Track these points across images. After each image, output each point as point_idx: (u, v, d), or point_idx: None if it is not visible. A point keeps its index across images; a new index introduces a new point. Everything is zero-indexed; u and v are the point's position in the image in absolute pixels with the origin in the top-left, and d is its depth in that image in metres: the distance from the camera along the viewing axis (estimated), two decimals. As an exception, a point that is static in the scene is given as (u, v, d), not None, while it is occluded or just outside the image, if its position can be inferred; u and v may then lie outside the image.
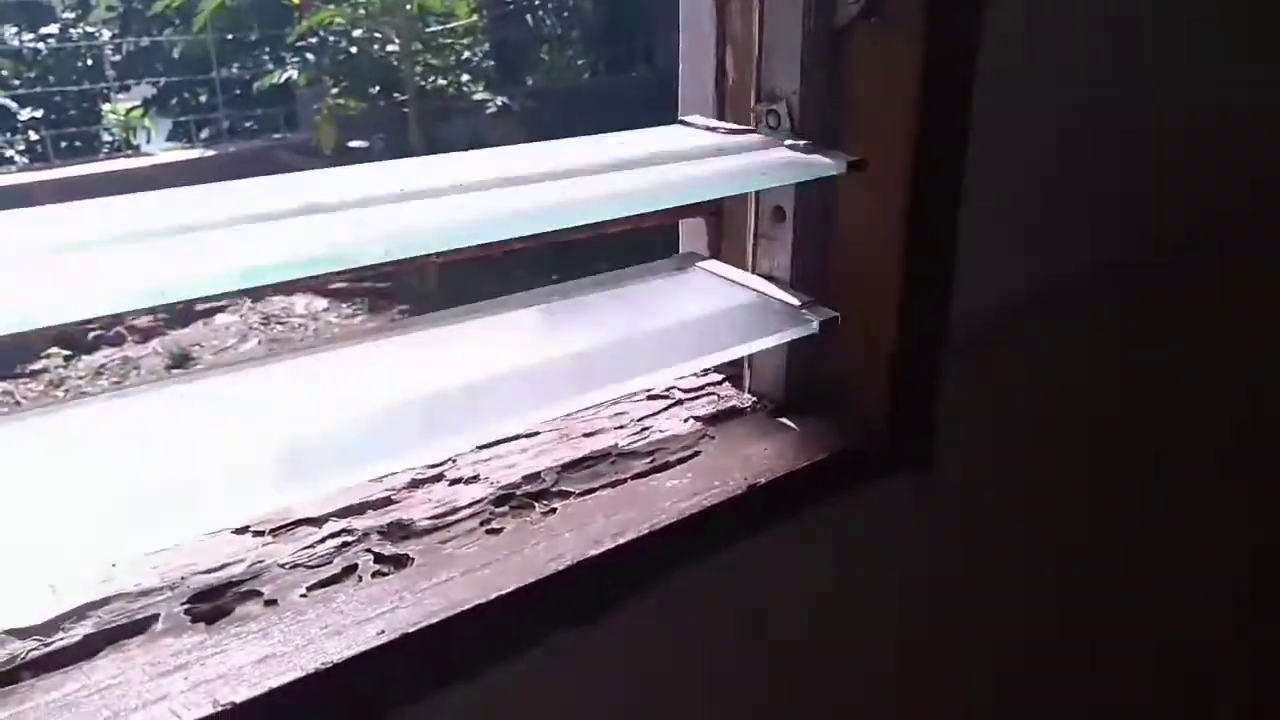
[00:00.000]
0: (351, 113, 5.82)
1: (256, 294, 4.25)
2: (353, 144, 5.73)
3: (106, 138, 7.23)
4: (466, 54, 6.25)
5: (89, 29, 7.31)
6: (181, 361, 4.39)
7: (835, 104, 0.68)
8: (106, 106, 7.33)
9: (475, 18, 6.16)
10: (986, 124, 0.70)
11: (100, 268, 0.43)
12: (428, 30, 5.99)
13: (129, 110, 7.21)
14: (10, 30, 7.05)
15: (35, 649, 0.50)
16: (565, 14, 7.17)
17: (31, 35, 7.20)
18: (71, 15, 7.45)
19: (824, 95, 0.68)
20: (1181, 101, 0.88)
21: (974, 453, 0.81)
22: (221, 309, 4.75)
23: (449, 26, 6.03)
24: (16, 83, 7.11)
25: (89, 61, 7.46)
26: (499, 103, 5.98)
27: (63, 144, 7.05)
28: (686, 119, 0.72)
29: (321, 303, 4.96)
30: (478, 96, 5.96)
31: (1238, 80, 0.93)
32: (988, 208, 0.72)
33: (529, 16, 6.92)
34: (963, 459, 0.80)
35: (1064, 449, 0.94)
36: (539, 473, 0.67)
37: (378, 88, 6.00)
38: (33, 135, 7.11)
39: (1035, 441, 0.90)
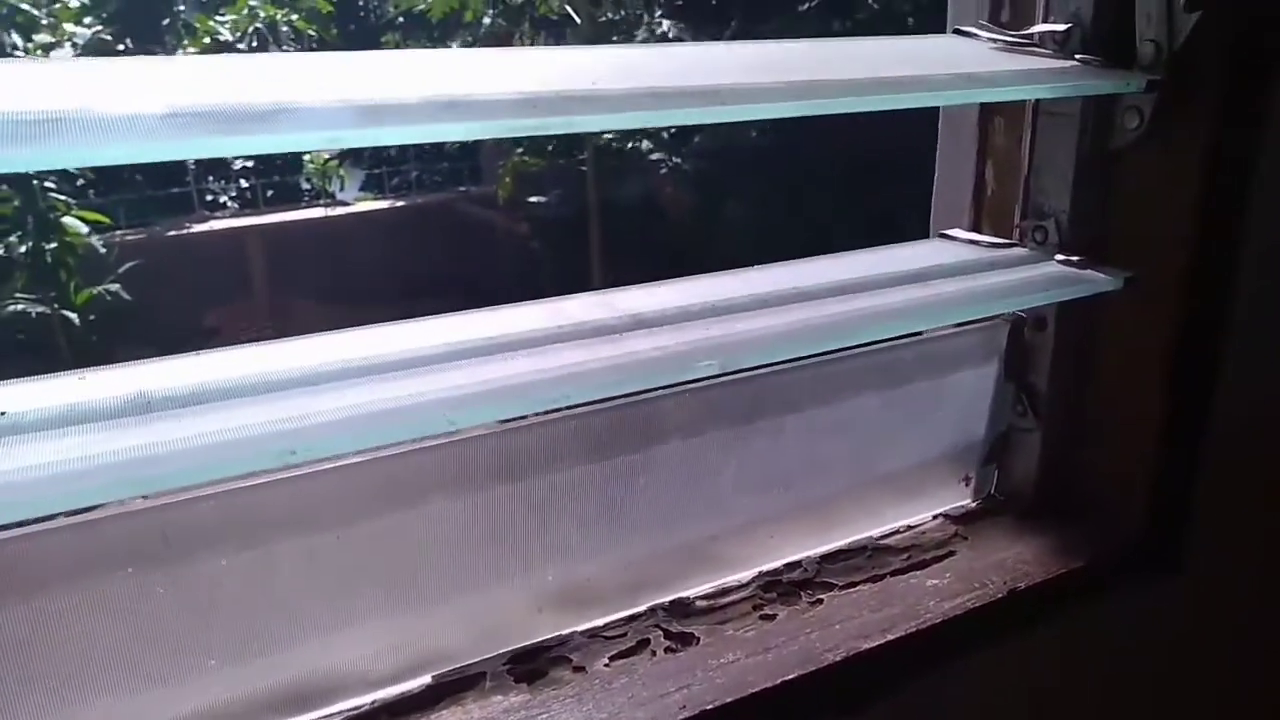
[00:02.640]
0: (533, 169, 6.11)
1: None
2: (532, 199, 6.01)
3: (305, 186, 7.83)
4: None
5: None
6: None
7: (1103, 220, 0.70)
8: (307, 157, 7.94)
9: (651, 79, 6.37)
10: (1256, 234, 0.70)
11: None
12: (607, 92, 6.23)
13: (326, 161, 7.78)
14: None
15: (382, 694, 0.57)
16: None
17: (250, 91, 7.89)
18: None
19: (1092, 212, 0.70)
20: None
21: (1230, 556, 0.80)
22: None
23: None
24: (234, 135, 7.82)
25: (295, 115, 8.13)
26: (671, 162, 6.16)
27: (269, 191, 7.69)
28: (948, 232, 0.75)
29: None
30: (653, 156, 6.16)
31: None
32: (1256, 308, 0.72)
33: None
34: (1218, 563, 0.79)
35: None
36: (799, 561, 0.70)
37: (554, 145, 6.28)
38: (243, 183, 7.79)
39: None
